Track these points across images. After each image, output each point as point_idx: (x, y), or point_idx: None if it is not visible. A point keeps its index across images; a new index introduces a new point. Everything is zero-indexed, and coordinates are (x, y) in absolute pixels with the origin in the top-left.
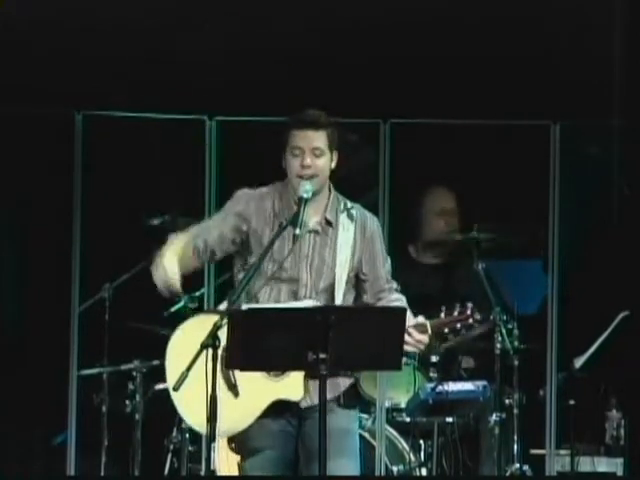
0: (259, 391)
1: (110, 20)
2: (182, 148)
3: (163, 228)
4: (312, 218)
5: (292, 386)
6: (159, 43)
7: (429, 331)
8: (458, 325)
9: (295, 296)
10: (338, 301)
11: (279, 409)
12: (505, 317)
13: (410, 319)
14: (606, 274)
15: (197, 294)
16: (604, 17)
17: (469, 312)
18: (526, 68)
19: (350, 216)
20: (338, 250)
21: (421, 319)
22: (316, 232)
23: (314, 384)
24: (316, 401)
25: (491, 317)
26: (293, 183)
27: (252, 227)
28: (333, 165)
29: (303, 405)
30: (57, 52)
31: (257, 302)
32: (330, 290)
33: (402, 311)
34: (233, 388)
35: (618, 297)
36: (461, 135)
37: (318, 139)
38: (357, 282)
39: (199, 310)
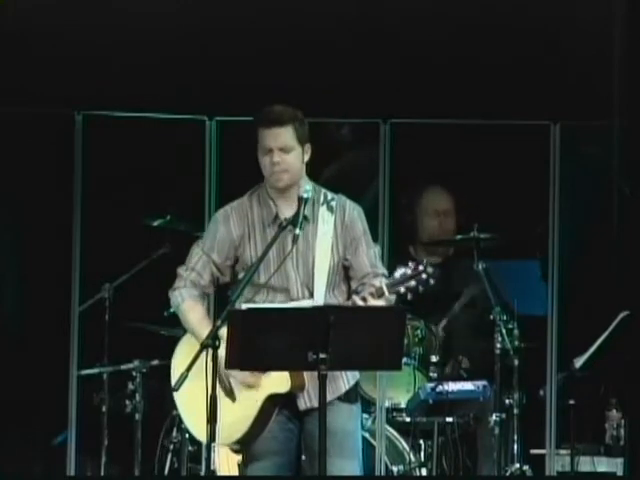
0: (250, 392)
1: (110, 21)
2: (182, 148)
3: (163, 228)
4: (288, 213)
5: (278, 379)
6: (159, 43)
7: (386, 293)
8: (413, 282)
9: (289, 295)
10: (318, 291)
11: (279, 408)
12: (505, 317)
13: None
14: (606, 274)
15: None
16: (604, 17)
17: (421, 267)
18: (526, 68)
19: (330, 208)
20: (318, 242)
21: (377, 283)
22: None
23: (313, 385)
24: (315, 403)
25: (491, 317)
26: (268, 180)
27: (238, 237)
28: (306, 158)
29: (302, 407)
30: (57, 52)
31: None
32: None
33: (402, 311)
34: (230, 394)
35: (618, 297)
36: (461, 135)
37: (285, 135)
38: (345, 271)
39: None
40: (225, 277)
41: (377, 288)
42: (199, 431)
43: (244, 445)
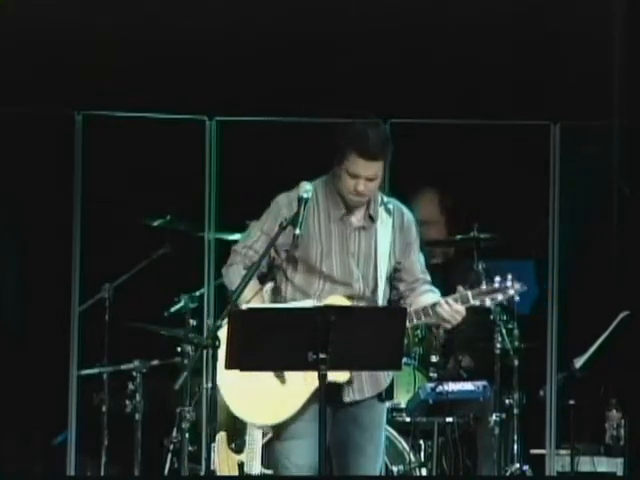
0: (304, 376)
1: (110, 21)
2: (182, 148)
3: (163, 228)
4: (356, 216)
5: None
6: (159, 43)
7: (471, 301)
8: (500, 296)
9: (352, 289)
10: (380, 289)
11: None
12: (505, 317)
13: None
14: (606, 274)
15: (197, 294)
16: (604, 17)
17: (509, 283)
18: (526, 68)
19: (387, 210)
20: (379, 242)
21: (462, 290)
22: (362, 228)
23: (358, 380)
24: (358, 397)
25: (491, 317)
26: (346, 196)
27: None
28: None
29: (346, 400)
30: (57, 52)
31: (306, 296)
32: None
33: (402, 311)
34: (280, 375)
35: (618, 297)
36: (461, 135)
37: (376, 168)
38: (393, 274)
39: (199, 310)
40: (280, 259)
41: (462, 295)
42: (241, 411)
43: (280, 427)
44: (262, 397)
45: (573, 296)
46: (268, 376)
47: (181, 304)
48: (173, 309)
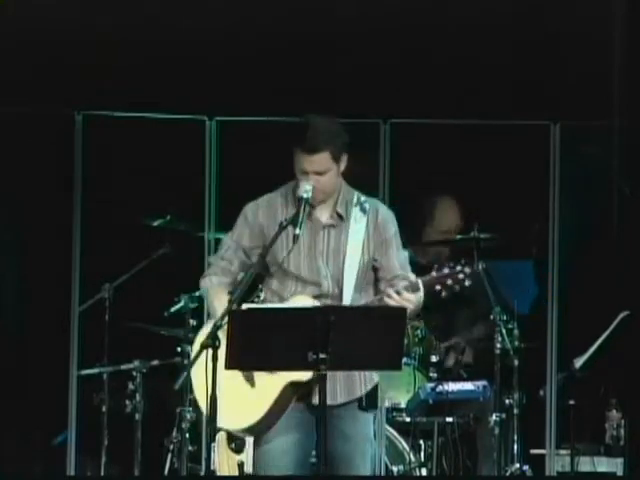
0: (270, 379)
1: (110, 21)
2: (182, 148)
3: (163, 228)
4: (324, 214)
5: None
6: (159, 43)
7: (421, 289)
8: (449, 281)
9: (320, 289)
10: (347, 288)
11: (295, 401)
12: (505, 317)
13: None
14: (606, 274)
15: (197, 294)
16: (604, 17)
17: (459, 267)
18: (526, 68)
19: (363, 209)
20: (350, 239)
21: (413, 278)
22: (331, 226)
23: (331, 384)
24: (329, 401)
25: (491, 317)
26: (299, 194)
27: (266, 232)
28: (342, 168)
29: (316, 402)
30: (57, 52)
31: (281, 300)
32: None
33: (402, 311)
34: (250, 379)
35: (618, 297)
36: (461, 135)
37: (320, 161)
38: (374, 273)
39: (199, 310)
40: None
41: (413, 283)
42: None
43: (254, 433)
44: (230, 402)
45: (573, 296)
46: (239, 382)
47: (181, 304)
48: (173, 309)
